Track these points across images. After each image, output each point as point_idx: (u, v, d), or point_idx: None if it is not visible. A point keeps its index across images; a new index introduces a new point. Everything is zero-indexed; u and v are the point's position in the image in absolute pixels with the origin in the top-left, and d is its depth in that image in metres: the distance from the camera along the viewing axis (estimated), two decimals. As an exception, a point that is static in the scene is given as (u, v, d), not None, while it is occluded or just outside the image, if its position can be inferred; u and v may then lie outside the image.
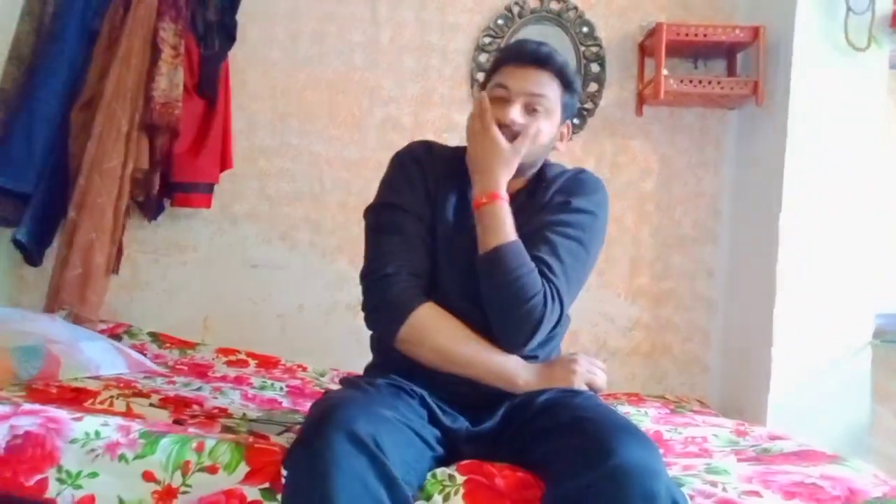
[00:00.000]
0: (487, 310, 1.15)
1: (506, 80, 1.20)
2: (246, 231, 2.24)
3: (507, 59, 1.23)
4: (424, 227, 1.20)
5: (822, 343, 1.84)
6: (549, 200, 1.22)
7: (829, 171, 1.87)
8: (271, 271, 2.22)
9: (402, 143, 2.15)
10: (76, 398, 1.35)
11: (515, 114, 1.19)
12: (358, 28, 2.24)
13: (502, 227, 1.14)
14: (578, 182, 1.25)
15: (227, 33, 2.16)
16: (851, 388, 1.82)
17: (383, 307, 1.16)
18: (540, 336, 1.15)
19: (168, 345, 2.07)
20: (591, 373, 1.19)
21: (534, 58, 1.21)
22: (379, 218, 1.23)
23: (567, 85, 1.23)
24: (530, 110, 1.20)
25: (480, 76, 2.20)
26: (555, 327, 1.18)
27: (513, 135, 1.18)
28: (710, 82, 2.00)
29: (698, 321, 2.16)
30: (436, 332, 1.15)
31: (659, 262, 2.18)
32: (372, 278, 1.18)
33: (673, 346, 2.16)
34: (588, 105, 2.19)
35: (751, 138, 2.10)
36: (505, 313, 1.13)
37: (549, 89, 1.21)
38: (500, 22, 2.20)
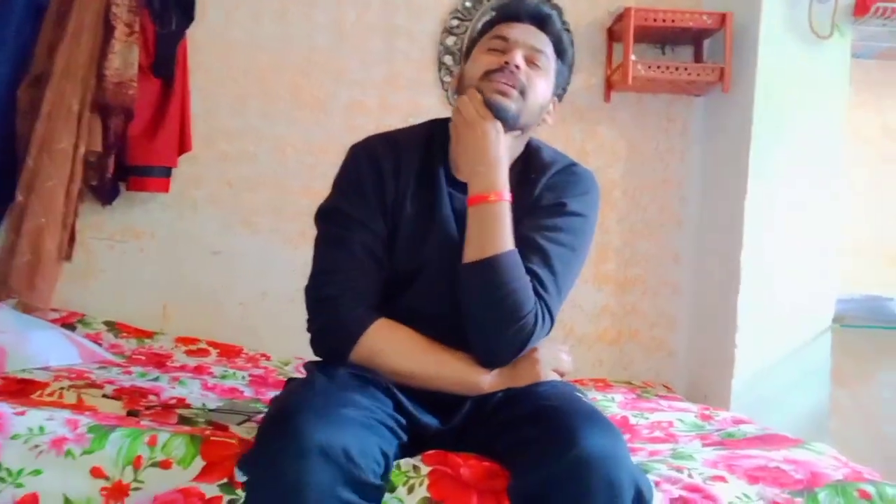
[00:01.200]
0: (469, 322, 1.07)
1: (504, 33, 1.13)
2: (206, 216, 2.17)
3: (505, 16, 1.16)
4: (375, 237, 1.11)
5: (784, 328, 1.87)
6: (540, 197, 1.14)
7: (793, 158, 1.89)
8: (233, 258, 2.16)
9: (368, 127, 2.12)
10: (22, 390, 1.29)
11: (519, 59, 1.10)
12: (322, 8, 2.18)
13: (502, 233, 1.05)
14: (572, 179, 1.16)
15: (185, 11, 2.07)
16: (812, 373, 1.86)
17: (329, 332, 1.08)
18: (525, 351, 1.09)
19: (125, 334, 2.00)
20: (554, 359, 1.15)
21: (534, 14, 1.15)
22: (326, 228, 1.14)
23: (561, 53, 1.17)
24: (531, 64, 1.12)
25: (448, 59, 2.16)
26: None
27: (518, 84, 1.10)
28: (677, 68, 2.00)
29: (664, 307, 2.17)
30: (388, 353, 1.07)
31: (626, 248, 2.18)
32: (314, 298, 1.10)
33: (639, 331, 2.17)
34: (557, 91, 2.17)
35: (717, 125, 2.11)
36: (491, 330, 1.06)
37: (548, 49, 1.14)
38: (467, 4, 2.16)
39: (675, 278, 2.18)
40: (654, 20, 1.99)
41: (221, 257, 2.16)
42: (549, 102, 1.18)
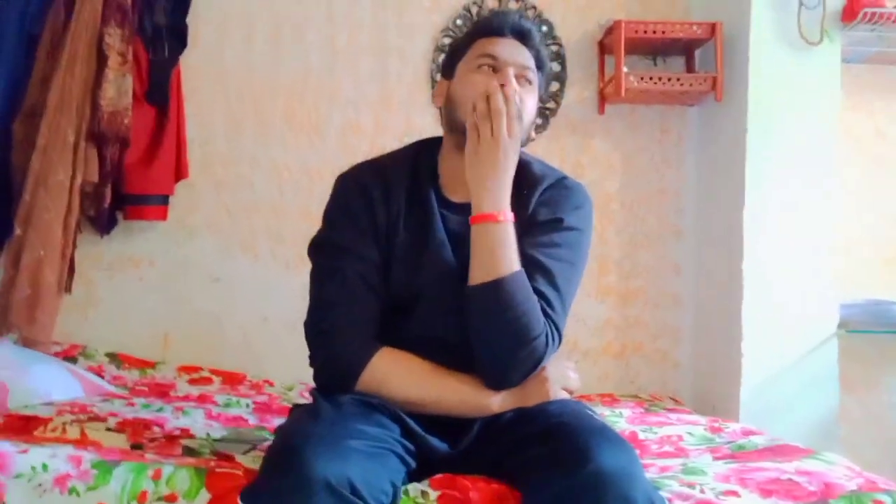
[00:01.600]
0: (478, 345, 1.06)
1: (492, 50, 1.11)
2: (205, 243, 2.16)
3: (488, 31, 1.14)
4: (369, 265, 1.10)
5: (789, 335, 1.85)
6: (535, 213, 1.13)
7: (788, 164, 1.89)
8: (233, 284, 2.15)
9: (362, 148, 2.15)
10: (25, 427, 1.27)
11: (513, 80, 1.08)
12: (314, 29, 2.19)
13: (510, 254, 1.03)
14: (565, 193, 1.16)
15: (178, 38, 2.08)
16: (820, 379, 1.84)
17: (331, 366, 1.07)
18: (535, 372, 1.08)
19: (127, 365, 1.99)
20: (563, 377, 1.13)
21: (516, 29, 1.14)
22: (320, 261, 1.14)
23: (541, 66, 1.17)
24: (522, 82, 1.12)
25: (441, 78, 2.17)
26: None
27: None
28: (669, 79, 2.01)
29: (667, 318, 2.16)
30: (393, 382, 1.06)
31: (626, 260, 2.18)
32: (313, 333, 1.10)
33: (644, 344, 2.16)
34: (550, 105, 2.18)
35: (711, 134, 2.12)
36: (502, 352, 1.04)
37: (532, 63, 1.14)
38: (458, 22, 2.18)
39: (676, 289, 2.17)
40: (645, 32, 2.00)
41: (221, 283, 2.16)
42: (536, 117, 1.19)
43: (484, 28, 1.16)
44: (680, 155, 2.20)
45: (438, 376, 1.08)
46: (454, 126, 1.14)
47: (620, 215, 2.19)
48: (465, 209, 1.11)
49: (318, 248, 1.15)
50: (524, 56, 1.13)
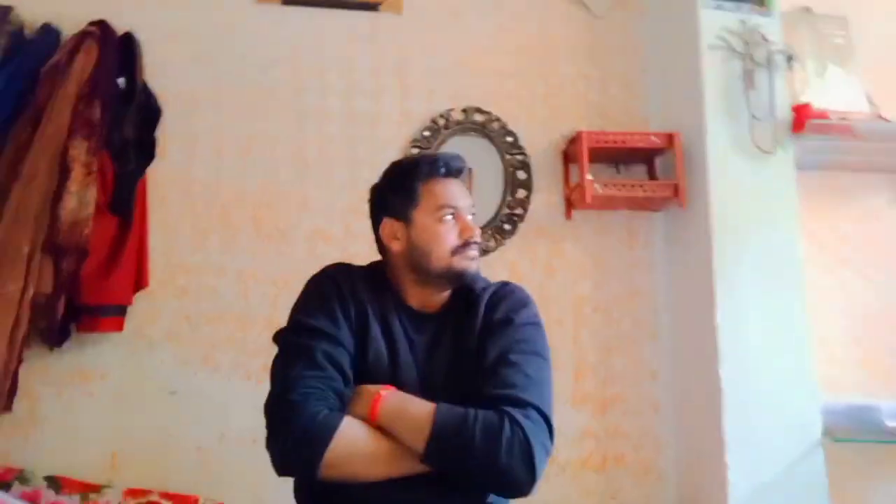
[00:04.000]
0: (480, 484, 1.08)
1: (450, 200, 1.21)
2: (163, 354, 2.06)
3: (439, 173, 1.23)
4: (338, 346, 1.12)
5: (775, 444, 1.78)
6: (487, 316, 1.19)
7: (756, 268, 1.90)
8: (190, 397, 2.03)
9: (332, 255, 2.10)
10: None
11: (476, 226, 1.23)
12: (284, 144, 2.22)
13: (415, 408, 1.06)
14: (509, 295, 1.23)
15: (146, 151, 2.09)
16: (809, 491, 1.76)
17: (296, 439, 1.02)
18: (542, 465, 1.04)
19: (67, 490, 1.83)
20: None
21: (459, 170, 1.26)
22: (287, 340, 1.14)
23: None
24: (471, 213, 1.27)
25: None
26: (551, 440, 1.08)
27: (479, 248, 1.23)
28: (633, 186, 2.05)
29: (648, 427, 2.08)
30: (363, 452, 1.04)
31: (602, 365, 2.12)
32: (276, 408, 1.06)
33: (625, 455, 2.06)
34: (518, 211, 2.20)
35: (678, 238, 2.14)
36: (496, 478, 1.03)
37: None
38: (426, 134, 2.23)
39: (655, 395, 2.10)
40: (606, 142, 2.07)
41: (178, 398, 2.03)
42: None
43: (433, 170, 1.24)
44: (650, 258, 2.21)
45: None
46: (421, 270, 1.20)
47: (594, 318, 2.15)
48: (422, 316, 1.21)
49: (286, 330, 1.16)
50: (469, 195, 1.26)
